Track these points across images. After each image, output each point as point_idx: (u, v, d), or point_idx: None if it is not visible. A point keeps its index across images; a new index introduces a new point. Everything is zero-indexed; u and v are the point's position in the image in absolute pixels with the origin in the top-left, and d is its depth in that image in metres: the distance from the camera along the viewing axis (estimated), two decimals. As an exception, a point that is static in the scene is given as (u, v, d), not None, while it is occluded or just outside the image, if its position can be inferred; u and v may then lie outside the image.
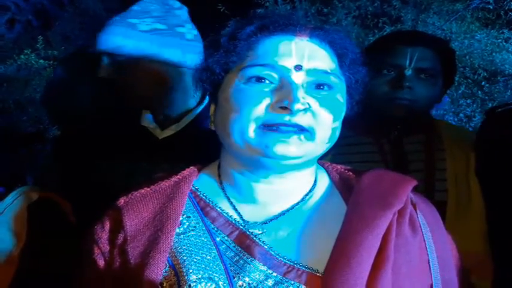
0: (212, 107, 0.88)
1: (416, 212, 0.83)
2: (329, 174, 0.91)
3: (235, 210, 0.84)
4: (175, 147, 1.34)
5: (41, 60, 6.60)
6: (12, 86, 6.32)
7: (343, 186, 0.88)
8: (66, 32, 6.69)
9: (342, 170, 0.91)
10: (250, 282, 0.75)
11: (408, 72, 1.38)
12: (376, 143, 1.42)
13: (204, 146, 1.21)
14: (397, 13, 5.44)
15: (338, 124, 0.80)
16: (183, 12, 1.40)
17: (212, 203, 0.85)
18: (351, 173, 0.89)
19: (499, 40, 5.46)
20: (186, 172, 0.89)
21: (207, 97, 1.37)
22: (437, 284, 0.79)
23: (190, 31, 1.37)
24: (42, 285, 0.96)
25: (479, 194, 1.34)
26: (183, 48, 1.33)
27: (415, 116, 1.41)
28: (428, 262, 0.80)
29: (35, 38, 6.64)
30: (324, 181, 0.89)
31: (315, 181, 0.87)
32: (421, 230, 0.82)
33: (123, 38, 1.30)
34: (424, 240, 0.81)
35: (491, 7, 5.24)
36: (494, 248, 1.30)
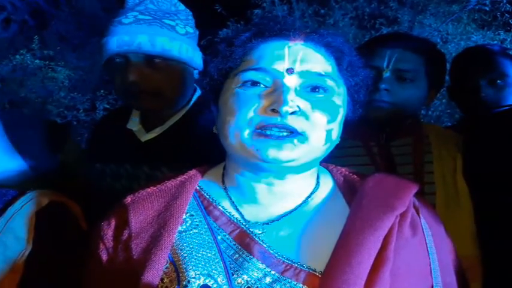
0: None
1: (419, 216, 0.83)
2: (333, 177, 0.91)
3: (237, 210, 0.85)
4: (157, 150, 1.31)
5: (37, 60, 6.57)
6: (7, 86, 6.29)
7: (347, 189, 0.88)
8: (62, 31, 6.67)
9: (347, 173, 0.91)
10: (249, 279, 0.76)
11: (386, 74, 1.35)
12: (364, 146, 1.40)
13: (189, 148, 1.20)
14: (394, 14, 5.46)
15: (334, 126, 0.80)
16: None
17: (215, 202, 0.87)
18: (355, 176, 0.89)
19: (495, 42, 5.48)
20: (192, 172, 0.90)
21: (193, 100, 1.36)
22: (438, 287, 0.79)
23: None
24: None
25: (468, 196, 1.33)
26: (198, 51, 1.32)
27: (399, 118, 1.38)
28: (429, 265, 0.80)
29: (30, 38, 6.60)
30: (328, 183, 0.90)
31: (318, 183, 0.88)
32: (423, 233, 0.82)
33: (170, 40, 1.22)
34: (425, 243, 0.81)
35: (487, 9, 5.27)
36: (483, 249, 1.29)
